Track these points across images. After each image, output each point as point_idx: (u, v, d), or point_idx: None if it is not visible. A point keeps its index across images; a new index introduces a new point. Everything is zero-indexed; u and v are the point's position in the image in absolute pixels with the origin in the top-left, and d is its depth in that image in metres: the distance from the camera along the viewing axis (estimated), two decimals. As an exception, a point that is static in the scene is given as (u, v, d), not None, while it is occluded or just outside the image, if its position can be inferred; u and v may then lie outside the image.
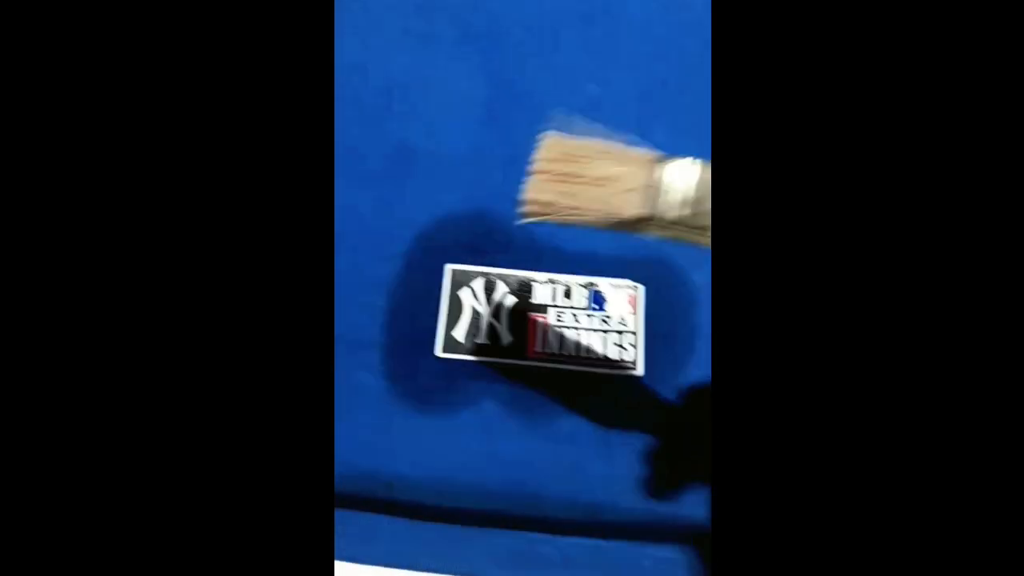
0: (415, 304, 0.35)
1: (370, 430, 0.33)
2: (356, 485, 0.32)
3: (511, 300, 0.35)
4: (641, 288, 0.35)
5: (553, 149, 0.25)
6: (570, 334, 0.34)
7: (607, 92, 0.39)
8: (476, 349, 0.34)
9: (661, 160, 0.23)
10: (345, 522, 0.33)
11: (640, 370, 0.34)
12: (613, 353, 0.34)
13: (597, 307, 0.34)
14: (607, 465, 0.32)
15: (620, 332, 0.34)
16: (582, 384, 0.33)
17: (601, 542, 0.32)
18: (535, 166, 0.25)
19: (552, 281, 0.35)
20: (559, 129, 0.25)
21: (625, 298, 0.35)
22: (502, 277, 0.35)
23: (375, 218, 0.36)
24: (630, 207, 0.23)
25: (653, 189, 0.23)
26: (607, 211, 0.24)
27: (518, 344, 0.34)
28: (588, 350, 0.34)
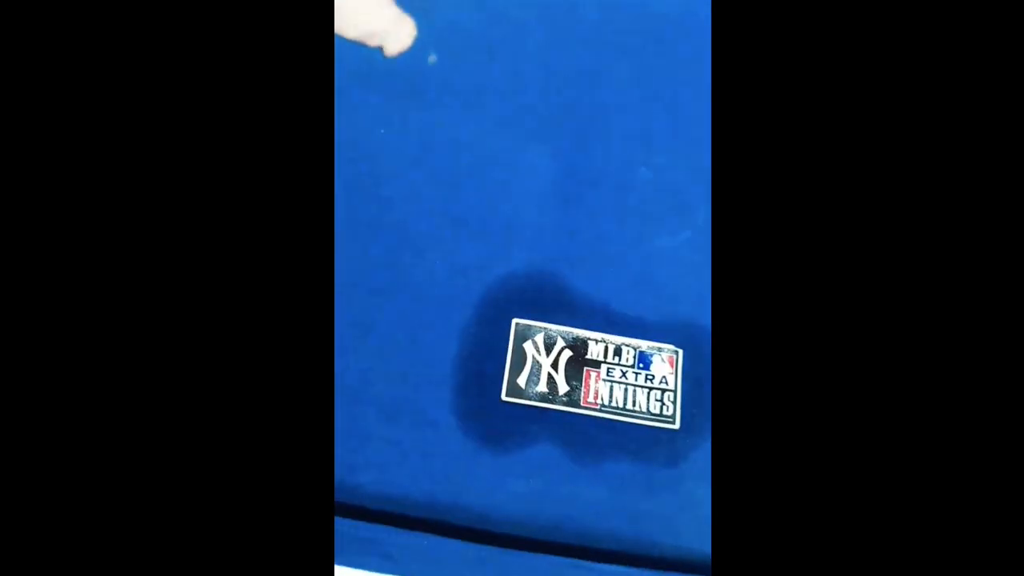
0: (484, 352, 0.40)
1: (440, 461, 0.37)
2: (421, 509, 0.37)
3: (568, 354, 0.40)
4: (680, 352, 0.40)
5: None
6: (618, 388, 0.39)
7: (657, 175, 0.45)
8: (536, 395, 0.39)
9: None
10: (406, 543, 0.38)
11: (677, 424, 0.38)
12: (655, 408, 0.39)
13: (643, 366, 0.39)
14: (647, 503, 0.37)
15: (662, 390, 0.39)
16: (628, 432, 0.38)
17: (634, 571, 0.37)
18: None
19: (604, 341, 0.40)
20: None
21: (667, 359, 0.40)
22: (561, 333, 0.40)
23: (451, 273, 0.41)
24: None
25: None
26: None
27: (573, 393, 0.39)
28: (634, 403, 0.39)
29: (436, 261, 0.41)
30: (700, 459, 0.38)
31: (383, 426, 0.38)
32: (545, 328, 0.40)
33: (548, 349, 0.40)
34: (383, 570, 0.37)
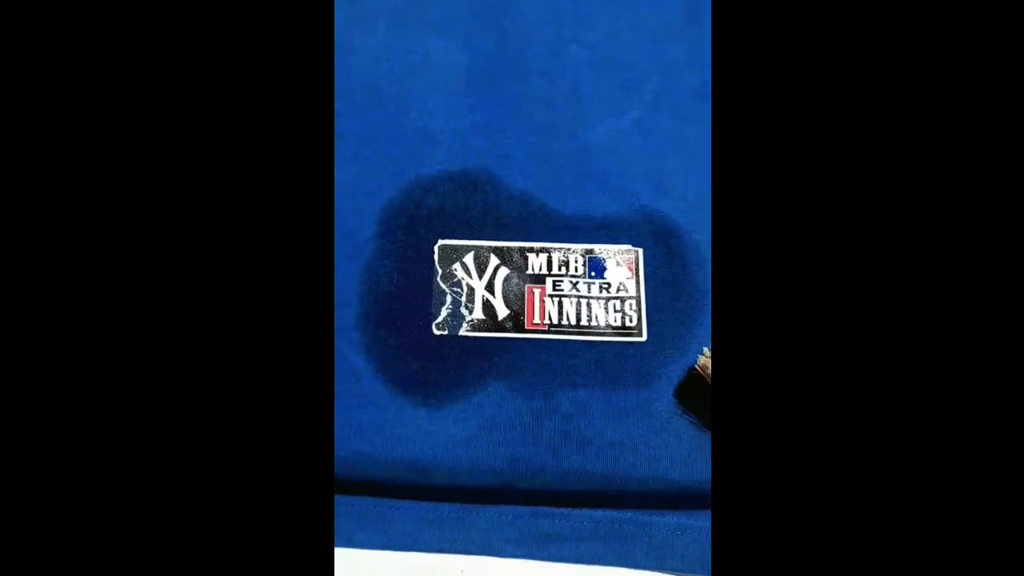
0: (400, 281, 0.33)
1: (367, 414, 0.31)
2: (359, 471, 0.31)
3: (504, 272, 0.33)
4: (639, 251, 0.33)
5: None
6: (568, 303, 0.33)
7: (591, 51, 0.37)
8: (472, 325, 0.32)
9: None
10: (350, 508, 0.32)
11: (644, 336, 0.32)
12: (615, 320, 0.32)
13: (595, 274, 0.33)
14: (616, 434, 0.31)
15: (621, 299, 0.33)
16: (586, 353, 0.32)
17: (614, 513, 0.31)
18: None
19: (546, 250, 0.33)
20: None
21: (623, 263, 0.33)
22: (493, 249, 0.34)
23: (351, 191, 0.35)
24: None
25: None
26: None
27: (515, 317, 0.33)
28: (588, 318, 0.32)
29: (336, 178, 0.35)
30: (674, 375, 0.32)
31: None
32: (474, 246, 0.34)
33: (480, 270, 0.33)
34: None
